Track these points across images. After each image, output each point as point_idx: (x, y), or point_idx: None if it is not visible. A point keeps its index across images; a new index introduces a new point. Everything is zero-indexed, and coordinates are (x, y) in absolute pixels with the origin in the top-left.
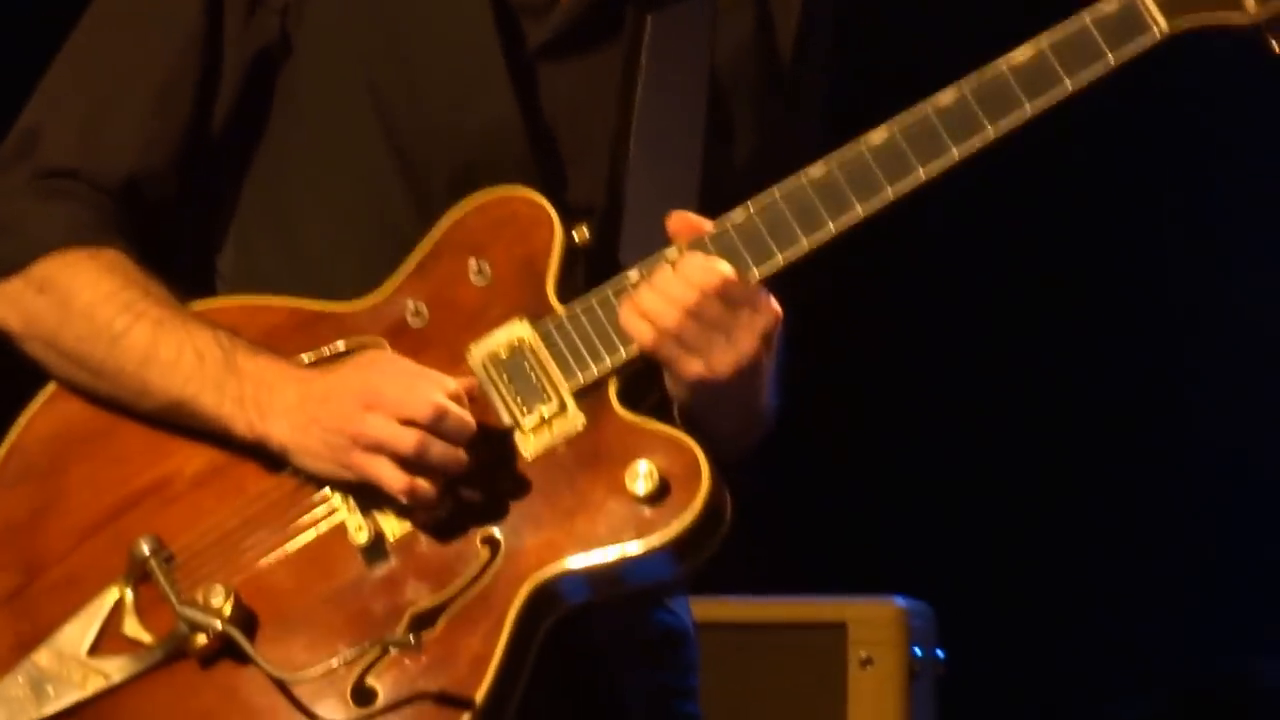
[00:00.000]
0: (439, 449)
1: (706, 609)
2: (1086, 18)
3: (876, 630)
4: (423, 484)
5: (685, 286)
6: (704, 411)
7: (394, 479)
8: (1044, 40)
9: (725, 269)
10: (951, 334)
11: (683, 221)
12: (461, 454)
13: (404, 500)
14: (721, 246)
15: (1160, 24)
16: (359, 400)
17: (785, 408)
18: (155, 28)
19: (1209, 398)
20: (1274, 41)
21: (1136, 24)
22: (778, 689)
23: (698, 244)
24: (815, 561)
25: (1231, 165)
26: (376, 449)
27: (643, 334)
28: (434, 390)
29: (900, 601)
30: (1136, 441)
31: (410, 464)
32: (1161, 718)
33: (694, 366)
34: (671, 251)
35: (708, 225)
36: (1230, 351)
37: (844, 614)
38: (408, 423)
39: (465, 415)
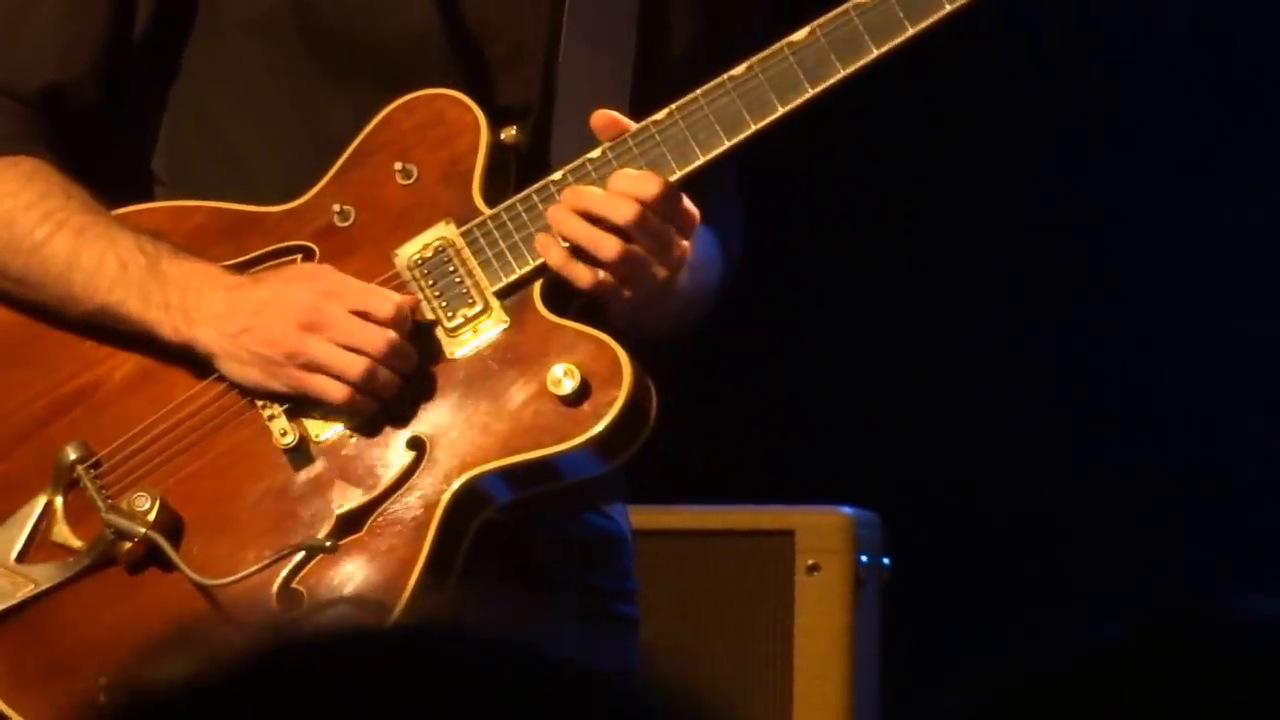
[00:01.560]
0: (384, 376)
1: (652, 517)
2: None
3: (823, 538)
4: (361, 399)
5: (621, 201)
6: (623, 317)
7: (335, 391)
8: None
9: (658, 182)
10: (902, 241)
11: (605, 119)
12: (401, 379)
13: (341, 409)
14: (643, 146)
15: None
16: (298, 318)
17: (730, 297)
18: None
19: (1169, 319)
20: None
21: None
22: (725, 596)
23: (619, 146)
24: (762, 470)
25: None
26: (315, 368)
27: (558, 261)
28: (383, 320)
29: (847, 510)
30: (1090, 358)
31: (357, 386)
32: (1119, 650)
33: (618, 284)
34: (594, 153)
35: (630, 125)
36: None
37: (791, 522)
38: (354, 350)
39: (410, 348)
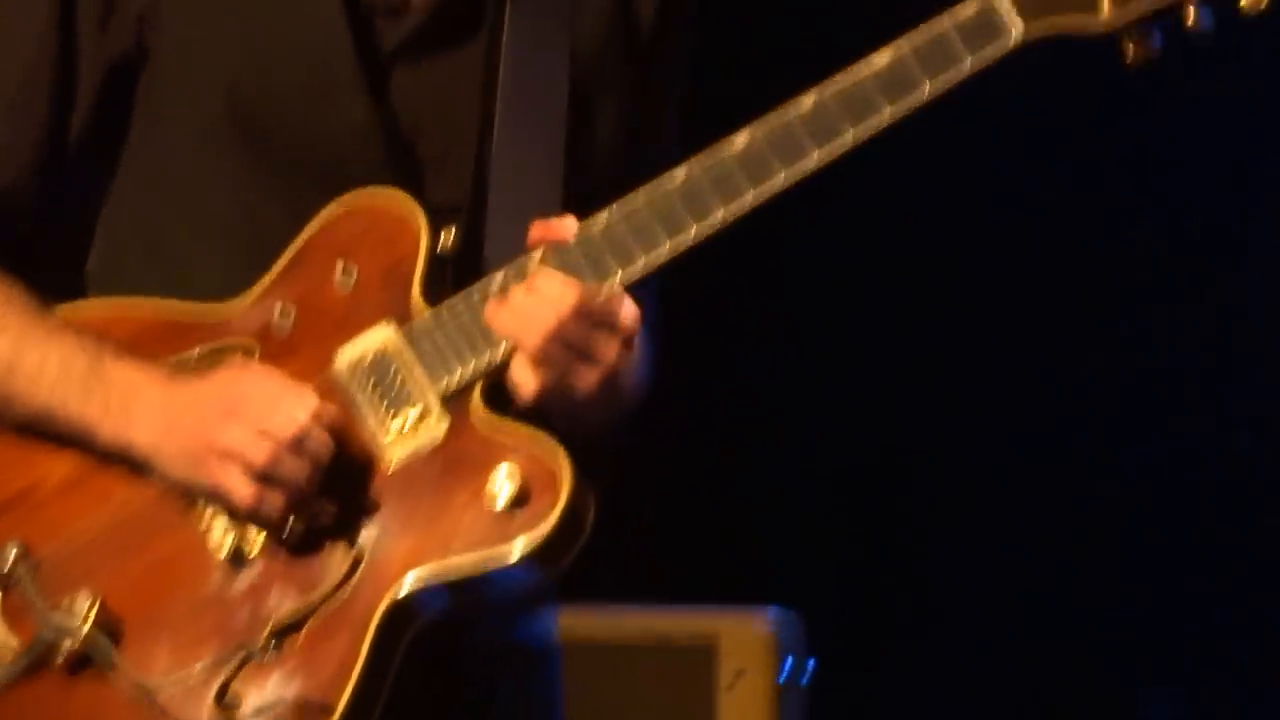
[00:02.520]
0: (291, 465)
1: (574, 620)
2: (946, 21)
3: (747, 642)
4: (269, 498)
5: (543, 308)
6: (565, 416)
7: (242, 490)
8: (904, 44)
9: (579, 291)
10: (813, 341)
11: (543, 230)
12: (311, 476)
13: (248, 513)
14: (584, 252)
15: (1017, 27)
16: (220, 408)
17: (655, 406)
18: (3, 40)
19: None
20: (1130, 47)
21: (994, 28)
22: (647, 702)
23: (561, 250)
24: (683, 571)
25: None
26: (229, 457)
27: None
28: (298, 407)
29: (770, 613)
30: (994, 449)
31: (260, 478)
32: None
33: (554, 383)
34: (535, 256)
35: (571, 230)
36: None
37: (715, 627)
38: (265, 436)
39: (325, 438)
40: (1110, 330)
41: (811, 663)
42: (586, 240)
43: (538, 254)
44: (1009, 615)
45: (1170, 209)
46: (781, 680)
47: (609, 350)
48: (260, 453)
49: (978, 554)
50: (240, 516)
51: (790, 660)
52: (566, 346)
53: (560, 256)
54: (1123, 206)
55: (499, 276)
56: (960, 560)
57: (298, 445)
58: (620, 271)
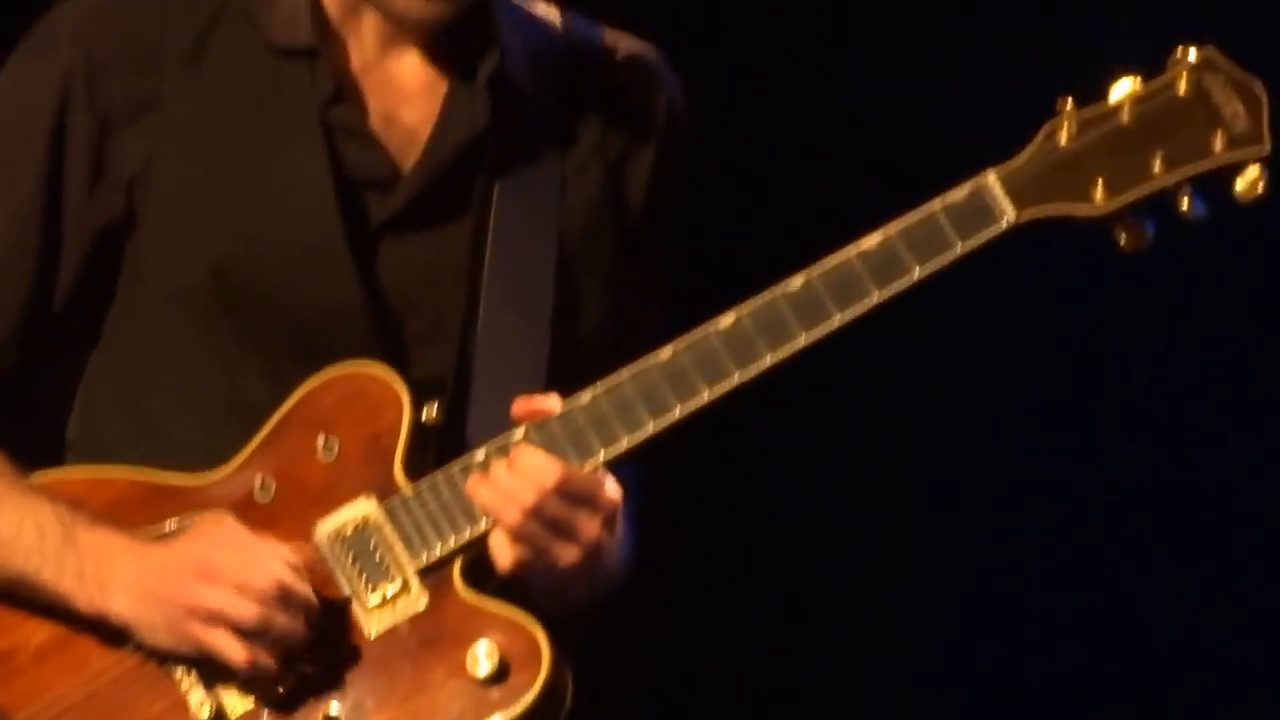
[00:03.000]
0: (281, 620)
1: None
2: (937, 205)
3: None
4: (264, 656)
5: (523, 485)
6: (546, 592)
7: (234, 651)
8: (893, 228)
9: (560, 469)
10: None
11: (527, 407)
12: (302, 627)
13: (245, 672)
14: (567, 429)
15: (1009, 213)
16: (195, 571)
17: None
18: None
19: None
20: (1121, 235)
21: (985, 213)
22: None
23: (543, 427)
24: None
25: None
26: (214, 620)
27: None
28: (273, 561)
29: None
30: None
31: (251, 635)
32: None
33: (534, 559)
34: (518, 433)
35: (555, 407)
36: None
37: None
38: (247, 593)
39: (306, 589)
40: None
41: None
42: (569, 417)
43: (520, 430)
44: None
45: None
46: None
47: (590, 528)
48: (246, 611)
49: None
50: (232, 684)
51: None
52: (547, 524)
53: (543, 433)
54: None
55: (481, 452)
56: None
57: (283, 599)
58: (603, 450)
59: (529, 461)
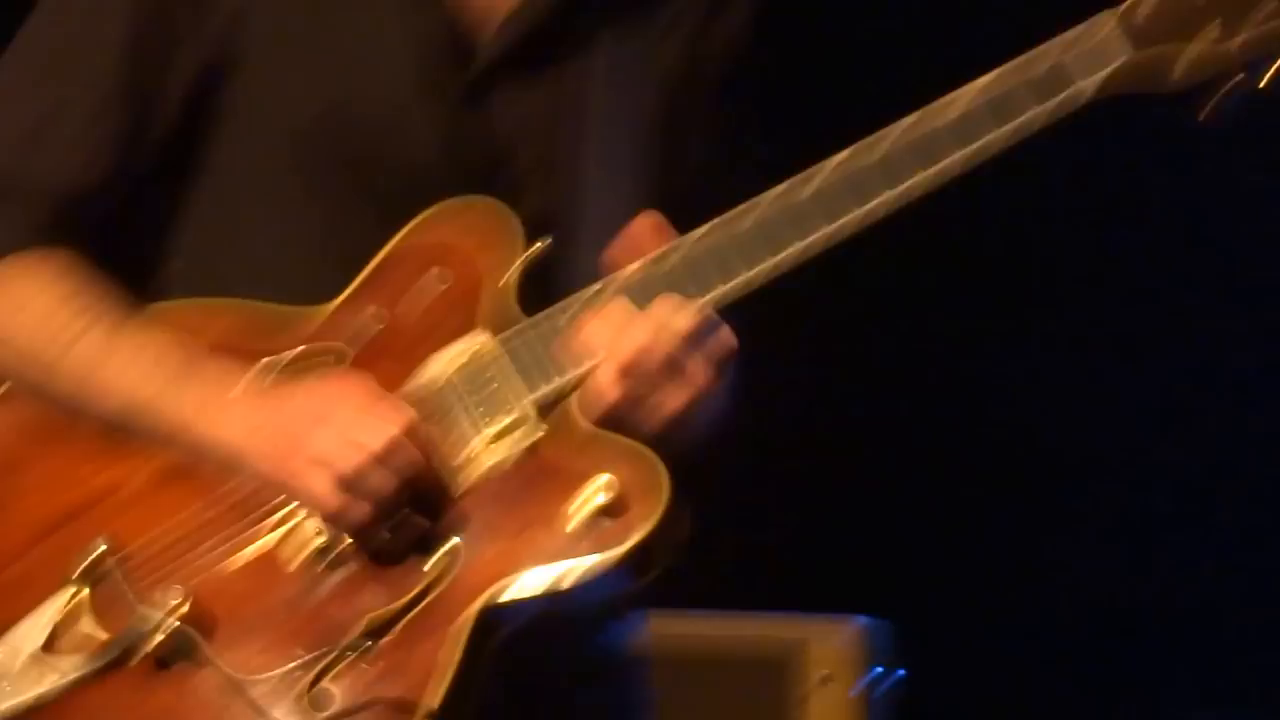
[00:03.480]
0: (378, 477)
1: (664, 625)
2: (1055, 48)
3: (836, 649)
4: (354, 508)
5: (636, 324)
6: (648, 436)
7: (328, 497)
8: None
9: (675, 309)
10: (912, 347)
11: (646, 226)
12: (399, 491)
13: (330, 520)
14: (683, 266)
15: (1090, 87)
16: (312, 413)
17: (748, 422)
18: (94, 40)
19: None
20: (1208, 106)
21: (1103, 54)
22: (736, 707)
23: (657, 263)
24: (775, 580)
25: None
26: (316, 463)
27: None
28: (390, 420)
29: (860, 621)
30: (1094, 468)
31: (348, 486)
32: None
33: (640, 401)
34: (630, 268)
35: (671, 236)
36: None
37: (804, 632)
38: (355, 445)
39: (416, 454)
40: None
41: (900, 673)
42: (684, 254)
43: (632, 266)
44: (1096, 627)
45: None
46: (867, 689)
47: (701, 371)
48: (348, 461)
49: (1066, 566)
50: (326, 522)
51: (878, 670)
52: (660, 364)
53: (657, 268)
54: None
55: (593, 288)
56: (1048, 572)
57: (387, 458)
58: (720, 287)
59: (646, 303)
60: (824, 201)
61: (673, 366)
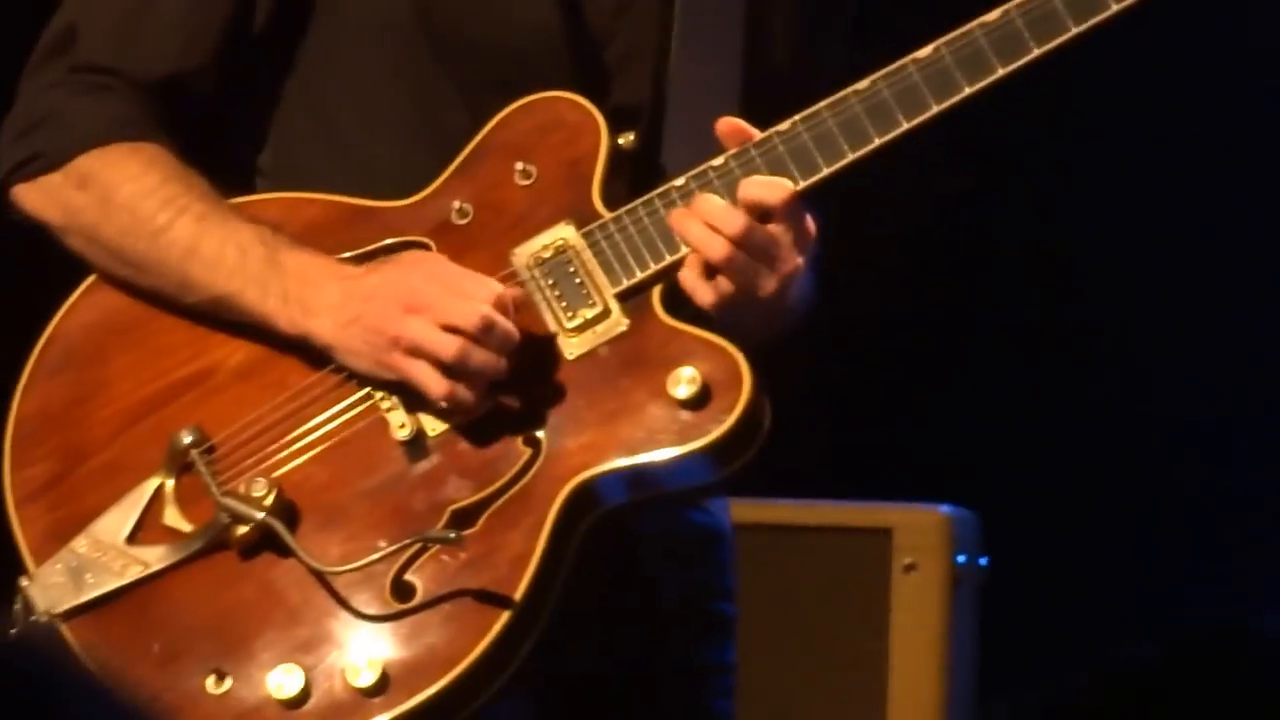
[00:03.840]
0: (480, 357)
1: (752, 511)
2: None
3: (921, 536)
4: (462, 390)
5: (730, 211)
6: (734, 327)
7: (433, 383)
8: None
9: (766, 194)
10: (999, 241)
11: (731, 126)
12: (502, 362)
13: (441, 403)
14: (766, 157)
15: None
16: (402, 302)
17: (828, 311)
18: None
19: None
20: None
21: None
22: (821, 592)
23: (742, 155)
24: (862, 468)
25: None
26: (416, 352)
27: (703, 244)
28: (480, 298)
29: (945, 509)
30: (1179, 368)
31: (450, 369)
32: (1153, 668)
33: (735, 289)
34: (717, 161)
35: (755, 133)
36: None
37: (889, 520)
38: (451, 329)
39: (509, 325)
40: None
41: (984, 561)
42: (769, 145)
43: (719, 159)
44: (1179, 521)
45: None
46: (953, 575)
47: (788, 256)
48: (448, 347)
49: (1149, 455)
50: (432, 408)
51: (963, 557)
52: (752, 251)
53: (742, 160)
54: None
55: (680, 179)
56: (1132, 463)
57: (484, 335)
58: (802, 179)
59: (754, 184)
60: (931, 75)
61: (763, 251)
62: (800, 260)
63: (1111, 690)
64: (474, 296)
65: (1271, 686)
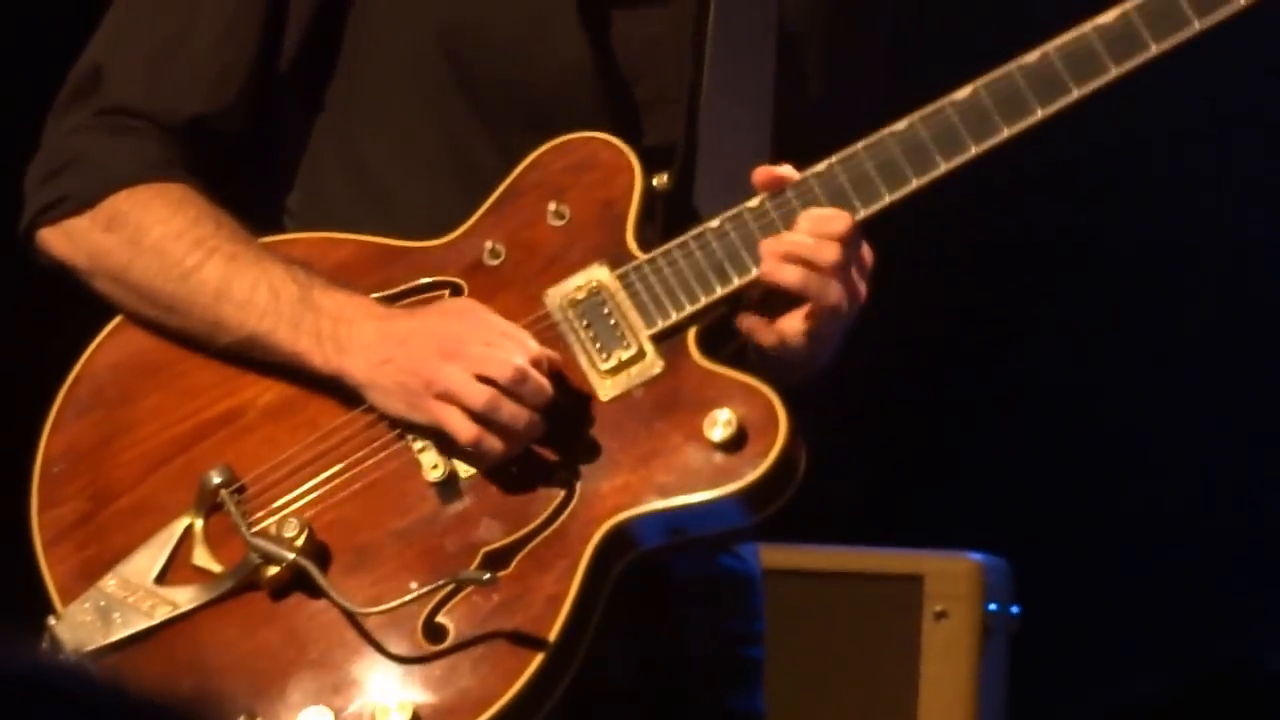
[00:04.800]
0: (510, 410)
1: (782, 556)
2: None
3: (952, 584)
4: (490, 439)
5: (817, 244)
6: (795, 353)
7: (463, 429)
8: (1129, 5)
9: (849, 218)
10: (1030, 291)
11: (767, 175)
12: (533, 417)
13: (469, 449)
14: (804, 198)
15: None
16: (439, 348)
17: (866, 362)
18: None
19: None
20: None
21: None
22: (851, 639)
23: (779, 194)
24: (894, 516)
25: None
26: (448, 398)
27: (790, 275)
28: (516, 352)
29: (976, 557)
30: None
31: (480, 418)
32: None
33: (834, 303)
34: (753, 202)
35: (793, 175)
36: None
37: (921, 567)
38: (484, 379)
39: (543, 381)
40: None
41: (1015, 610)
42: (804, 189)
43: (755, 200)
44: (1210, 568)
45: None
46: (984, 623)
47: (854, 279)
48: (479, 396)
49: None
50: (459, 453)
51: (995, 605)
52: (844, 273)
53: (778, 203)
54: None
55: (715, 222)
56: (1157, 506)
57: (517, 388)
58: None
59: (813, 221)
60: (970, 116)
61: (833, 268)
62: (862, 289)
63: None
64: (510, 349)
65: None
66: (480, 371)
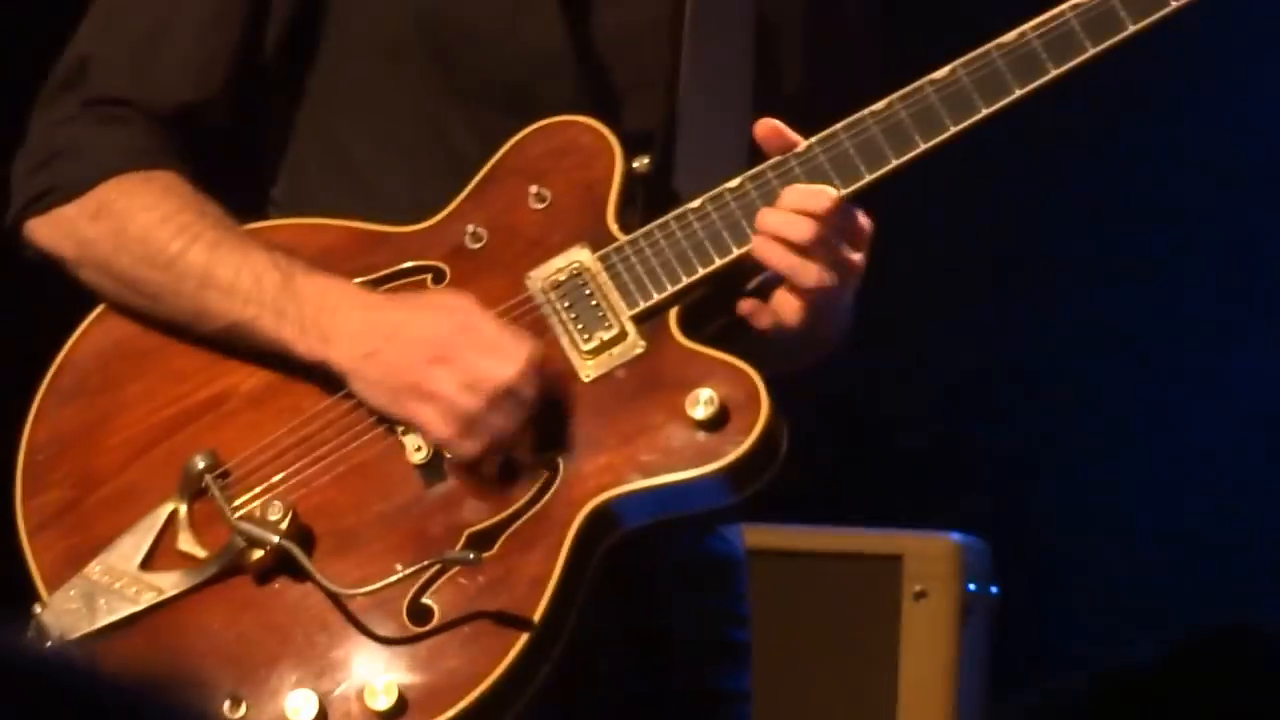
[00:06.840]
0: (494, 421)
1: (763, 537)
2: None
3: (932, 564)
4: (467, 443)
5: (801, 219)
6: (793, 333)
7: (440, 430)
8: None
9: (832, 193)
10: (1005, 268)
11: (769, 129)
12: (515, 428)
13: (446, 449)
14: (783, 178)
15: None
16: (429, 350)
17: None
18: None
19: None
20: None
21: None
22: (831, 619)
23: (758, 175)
24: (872, 495)
25: None
26: (431, 399)
27: (770, 252)
28: (506, 364)
29: (956, 537)
30: (1183, 383)
31: (462, 423)
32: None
33: (823, 298)
34: (733, 183)
35: (796, 136)
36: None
37: (900, 547)
38: (473, 390)
39: (531, 394)
40: None
41: (995, 591)
42: (784, 169)
43: (735, 181)
44: (1190, 549)
45: None
46: (963, 603)
47: (851, 258)
48: (465, 404)
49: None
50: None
51: (974, 585)
52: (826, 250)
53: (758, 183)
54: None
55: (696, 203)
56: (1134, 491)
57: (504, 401)
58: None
59: (800, 196)
60: (949, 96)
61: (820, 244)
62: (854, 262)
63: (1112, 691)
64: (501, 362)
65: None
66: (469, 380)
